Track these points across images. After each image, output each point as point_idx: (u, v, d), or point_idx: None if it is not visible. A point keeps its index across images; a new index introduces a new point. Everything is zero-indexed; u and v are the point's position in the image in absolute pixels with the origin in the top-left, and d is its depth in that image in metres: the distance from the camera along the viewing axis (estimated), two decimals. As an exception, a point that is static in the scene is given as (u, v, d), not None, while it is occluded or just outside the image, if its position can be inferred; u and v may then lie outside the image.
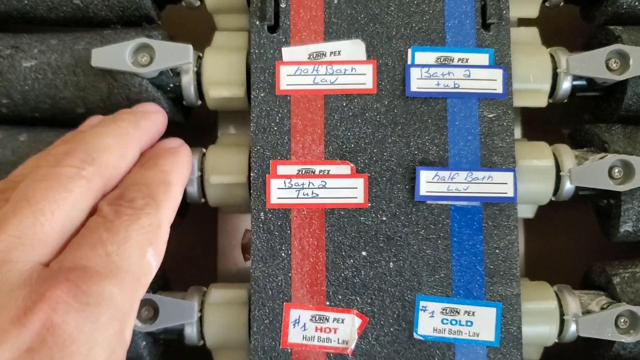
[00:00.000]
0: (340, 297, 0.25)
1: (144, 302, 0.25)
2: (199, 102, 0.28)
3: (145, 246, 0.19)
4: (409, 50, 0.26)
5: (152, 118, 0.23)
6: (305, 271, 0.25)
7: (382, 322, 0.25)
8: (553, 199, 0.27)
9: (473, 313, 0.25)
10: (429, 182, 0.25)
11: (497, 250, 0.25)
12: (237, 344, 0.26)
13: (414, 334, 0.25)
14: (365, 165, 0.25)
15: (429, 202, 0.25)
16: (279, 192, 0.25)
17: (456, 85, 0.25)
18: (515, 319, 0.25)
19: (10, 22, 0.29)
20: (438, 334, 0.25)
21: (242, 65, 0.27)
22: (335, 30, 0.26)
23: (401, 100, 0.25)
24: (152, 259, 0.19)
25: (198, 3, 0.29)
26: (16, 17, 0.29)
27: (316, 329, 0.25)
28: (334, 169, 0.25)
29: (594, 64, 0.26)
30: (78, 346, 0.17)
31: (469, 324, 0.25)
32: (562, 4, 0.29)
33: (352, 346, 0.24)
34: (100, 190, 0.20)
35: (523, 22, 0.29)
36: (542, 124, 0.30)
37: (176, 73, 0.27)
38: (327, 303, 0.25)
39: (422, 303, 0.25)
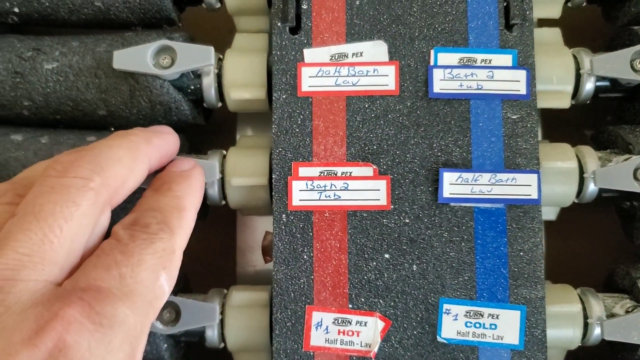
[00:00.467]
0: (363, 299, 0.25)
1: (166, 304, 0.25)
2: (219, 104, 0.28)
3: (159, 270, 0.19)
4: (432, 51, 0.25)
5: (165, 137, 0.23)
6: (327, 274, 0.25)
7: (405, 325, 0.24)
8: (576, 201, 0.27)
9: (497, 316, 0.24)
10: (452, 184, 0.25)
11: (521, 253, 0.25)
12: (258, 346, 0.26)
13: (438, 337, 0.24)
14: (387, 167, 0.25)
15: (452, 204, 0.25)
16: (300, 194, 0.25)
17: (479, 87, 0.25)
18: (539, 322, 0.24)
19: (31, 24, 0.29)
20: (462, 337, 0.24)
21: (263, 67, 0.27)
22: (357, 32, 0.26)
23: (424, 101, 0.25)
24: (165, 283, 0.19)
25: (218, 5, 0.29)
26: (37, 20, 0.29)
27: (339, 332, 0.24)
28: (356, 170, 0.25)
29: (618, 64, 0.26)
30: None
31: (493, 327, 0.24)
32: (584, 4, 0.29)
33: (375, 349, 0.24)
34: (106, 203, 0.19)
35: (543, 22, 0.29)
36: (563, 125, 0.30)
37: (197, 75, 0.27)
38: (350, 306, 0.25)
39: (445, 306, 0.24)
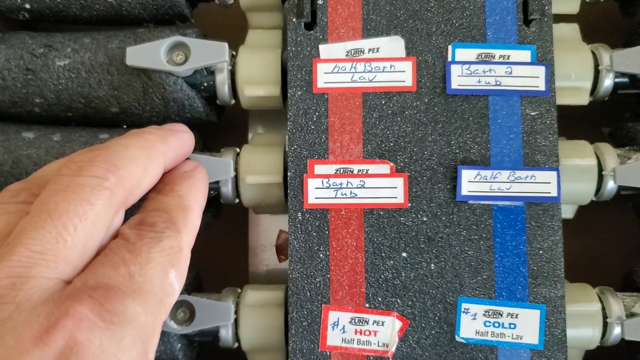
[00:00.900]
0: (380, 299, 0.24)
1: (180, 304, 0.25)
2: (233, 101, 0.27)
3: (168, 268, 0.19)
4: (450, 47, 0.25)
5: (180, 136, 0.23)
6: (344, 272, 0.24)
7: (423, 324, 0.24)
8: (594, 199, 0.27)
9: (516, 315, 0.24)
10: (471, 182, 0.24)
11: (540, 251, 0.24)
12: (272, 346, 0.26)
13: (456, 336, 0.24)
14: (405, 164, 0.25)
15: (470, 202, 0.24)
16: (316, 192, 0.25)
17: (498, 83, 0.25)
18: (559, 321, 0.24)
19: (43, 21, 0.29)
20: (480, 336, 0.24)
21: (277, 64, 0.26)
22: (373, 27, 0.25)
23: (441, 97, 0.25)
24: (175, 281, 0.19)
25: (231, 1, 0.28)
26: (48, 16, 0.28)
27: (356, 332, 0.24)
28: (373, 168, 0.25)
29: (638, 60, 0.26)
30: None
31: (512, 326, 0.24)
32: (602, -1, 0.28)
33: (393, 349, 0.24)
34: (121, 203, 0.19)
35: (561, 18, 0.28)
36: (580, 122, 0.30)
37: (210, 72, 0.27)
38: (367, 305, 0.24)
39: (464, 305, 0.24)
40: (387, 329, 0.24)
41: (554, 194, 0.24)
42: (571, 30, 0.27)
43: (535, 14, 0.25)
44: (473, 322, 0.24)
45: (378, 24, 0.25)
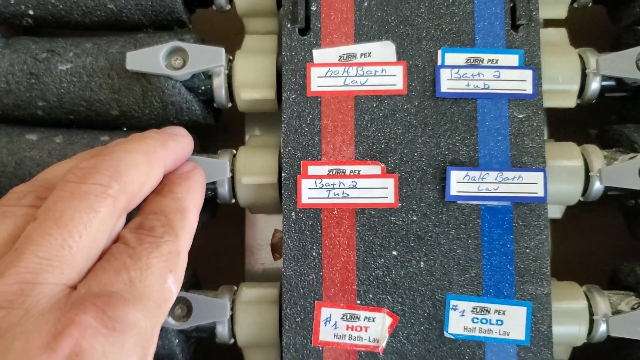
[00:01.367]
0: (371, 296, 0.25)
1: (178, 300, 0.26)
2: (229, 104, 0.28)
3: (166, 273, 0.19)
4: (439, 52, 0.26)
5: (180, 140, 0.23)
6: (336, 270, 0.25)
7: (412, 320, 0.25)
8: (581, 199, 0.27)
9: (503, 312, 0.25)
10: (460, 182, 0.25)
11: (527, 250, 0.25)
12: (267, 342, 0.27)
13: (445, 332, 0.25)
14: (395, 165, 0.26)
15: (459, 202, 0.25)
16: (310, 192, 0.25)
17: (486, 86, 0.26)
18: (545, 318, 0.25)
19: (45, 26, 0.30)
20: (468, 332, 0.25)
21: (273, 68, 0.27)
22: (365, 32, 0.26)
23: (431, 100, 0.26)
24: (173, 285, 0.20)
25: (228, 7, 0.29)
26: (51, 22, 0.29)
27: (347, 328, 0.25)
28: (365, 169, 0.26)
29: (624, 64, 0.26)
30: None
31: (499, 322, 0.25)
32: (590, 4, 0.29)
33: (383, 345, 0.25)
34: (124, 209, 0.20)
35: (549, 23, 0.29)
36: (567, 124, 0.30)
37: (207, 76, 0.27)
38: (358, 302, 0.25)
39: (452, 302, 0.25)
40: (377, 325, 0.25)
41: (541, 194, 0.25)
42: (559, 35, 0.28)
43: (523, 19, 0.26)
44: (461, 319, 0.25)
45: (370, 29, 0.26)
